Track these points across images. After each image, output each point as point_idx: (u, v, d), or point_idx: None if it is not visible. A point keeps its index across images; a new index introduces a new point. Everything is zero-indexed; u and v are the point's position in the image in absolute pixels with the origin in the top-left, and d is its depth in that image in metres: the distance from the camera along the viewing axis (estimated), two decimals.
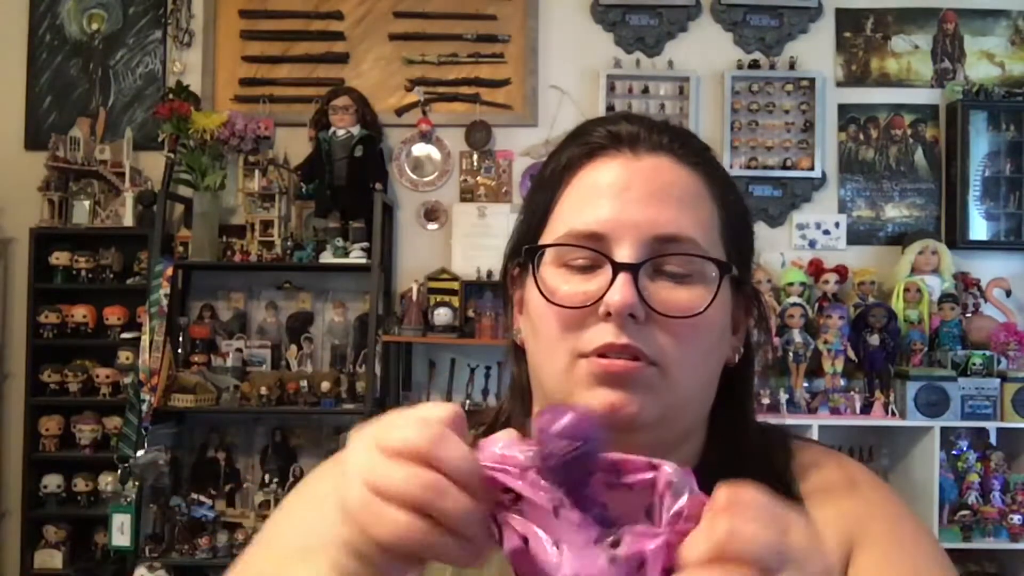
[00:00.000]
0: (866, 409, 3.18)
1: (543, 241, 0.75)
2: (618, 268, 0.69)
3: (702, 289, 0.72)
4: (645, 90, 3.60)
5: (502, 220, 3.47)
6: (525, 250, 0.75)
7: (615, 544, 0.48)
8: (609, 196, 0.73)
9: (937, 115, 3.63)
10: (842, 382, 3.25)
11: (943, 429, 3.15)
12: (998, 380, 3.16)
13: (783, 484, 0.78)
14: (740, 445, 0.78)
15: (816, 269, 3.43)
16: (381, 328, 3.29)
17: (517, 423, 0.79)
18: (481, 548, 0.51)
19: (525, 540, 0.49)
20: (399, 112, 3.61)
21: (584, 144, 0.77)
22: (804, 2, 3.61)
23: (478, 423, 0.86)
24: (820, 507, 0.77)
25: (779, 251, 3.57)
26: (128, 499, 3.17)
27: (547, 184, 0.78)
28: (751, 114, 3.59)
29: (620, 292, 0.68)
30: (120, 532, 3.13)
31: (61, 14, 3.67)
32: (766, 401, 3.13)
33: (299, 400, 3.29)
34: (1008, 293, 3.46)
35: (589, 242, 0.72)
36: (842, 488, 0.78)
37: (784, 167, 3.59)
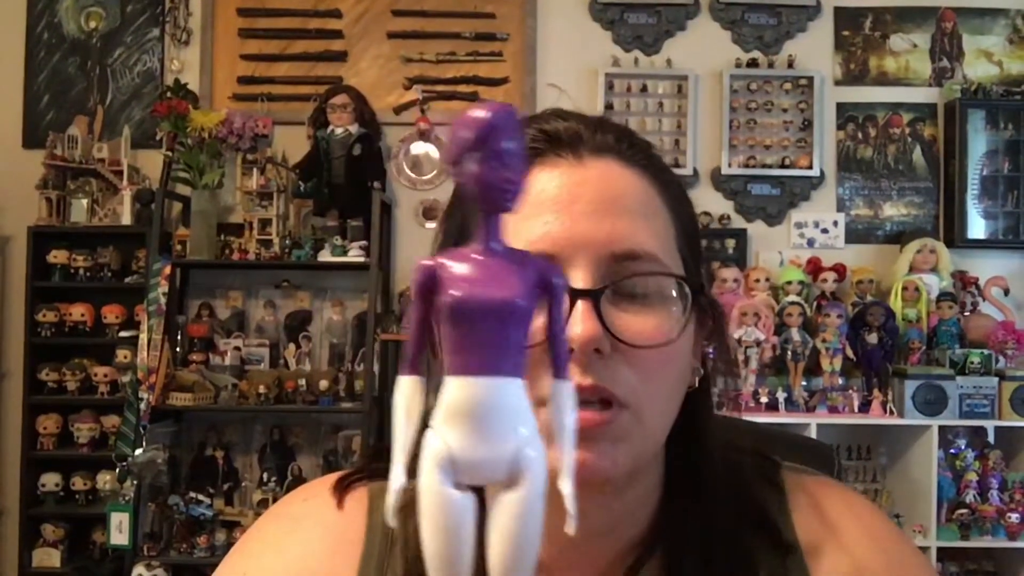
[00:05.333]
0: (864, 408, 3.18)
1: None
2: (576, 295, 0.59)
3: (667, 312, 0.64)
4: (643, 88, 3.60)
5: None
6: None
7: None
8: (555, 211, 0.62)
9: (935, 114, 3.64)
10: (840, 381, 3.25)
11: (941, 428, 3.15)
12: (996, 379, 3.16)
13: (767, 523, 0.71)
14: (704, 477, 0.70)
15: (814, 268, 3.43)
16: (379, 327, 3.28)
17: None
18: None
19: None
20: (397, 110, 3.61)
21: None
22: (802, 0, 3.61)
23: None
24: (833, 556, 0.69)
25: (777, 250, 3.58)
26: (126, 498, 3.17)
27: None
28: (749, 113, 3.59)
29: (582, 324, 0.59)
30: (118, 531, 3.13)
31: (59, 12, 3.66)
32: (764, 400, 3.13)
33: (297, 399, 3.29)
34: (1006, 292, 3.46)
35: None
36: (864, 542, 0.70)
37: (782, 166, 3.59)
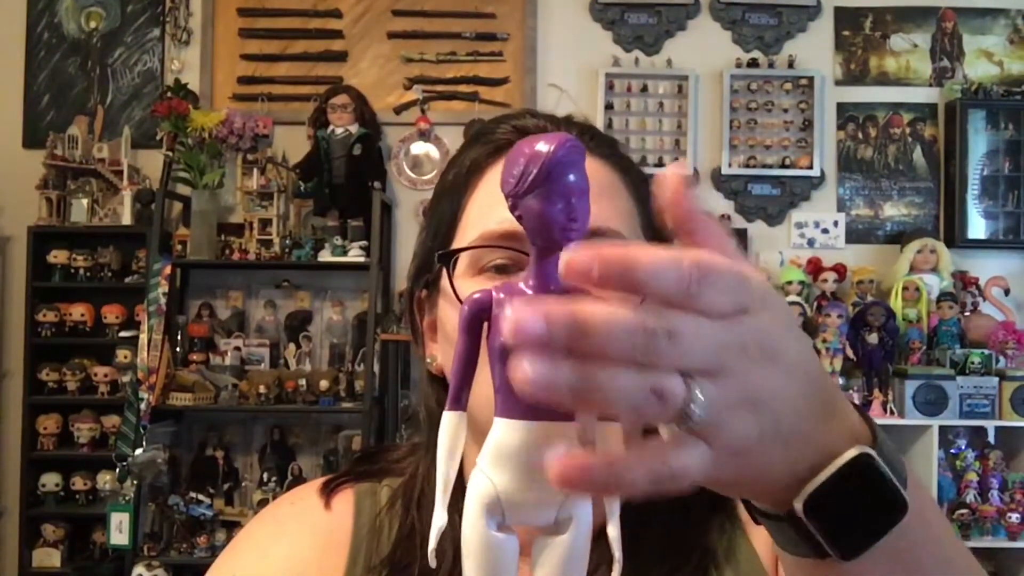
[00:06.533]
0: (865, 408, 3.17)
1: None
2: None
3: None
4: (644, 88, 3.60)
5: None
6: (438, 256, 0.70)
7: None
8: None
9: (936, 114, 3.63)
10: (841, 381, 3.24)
11: (941, 428, 3.15)
12: (996, 379, 3.16)
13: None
14: None
15: (815, 268, 3.43)
16: (380, 327, 3.28)
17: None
18: None
19: None
20: (398, 110, 3.61)
21: (489, 143, 0.73)
22: (803, 1, 3.60)
23: (382, 472, 0.80)
24: None
25: (777, 250, 3.58)
26: (126, 498, 3.17)
27: (451, 191, 0.74)
28: (750, 112, 3.59)
29: None
30: (118, 531, 3.13)
31: (59, 12, 3.66)
32: None
33: (297, 399, 3.29)
34: (1007, 292, 3.46)
35: (507, 242, 0.66)
36: None
37: (783, 166, 3.58)
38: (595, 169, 0.70)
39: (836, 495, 0.42)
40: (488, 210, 0.69)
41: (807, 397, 0.42)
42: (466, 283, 0.67)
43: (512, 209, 0.44)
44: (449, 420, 0.47)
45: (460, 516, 0.46)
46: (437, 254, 0.70)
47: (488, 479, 0.44)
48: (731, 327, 0.39)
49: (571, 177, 0.43)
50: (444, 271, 0.69)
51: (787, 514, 0.43)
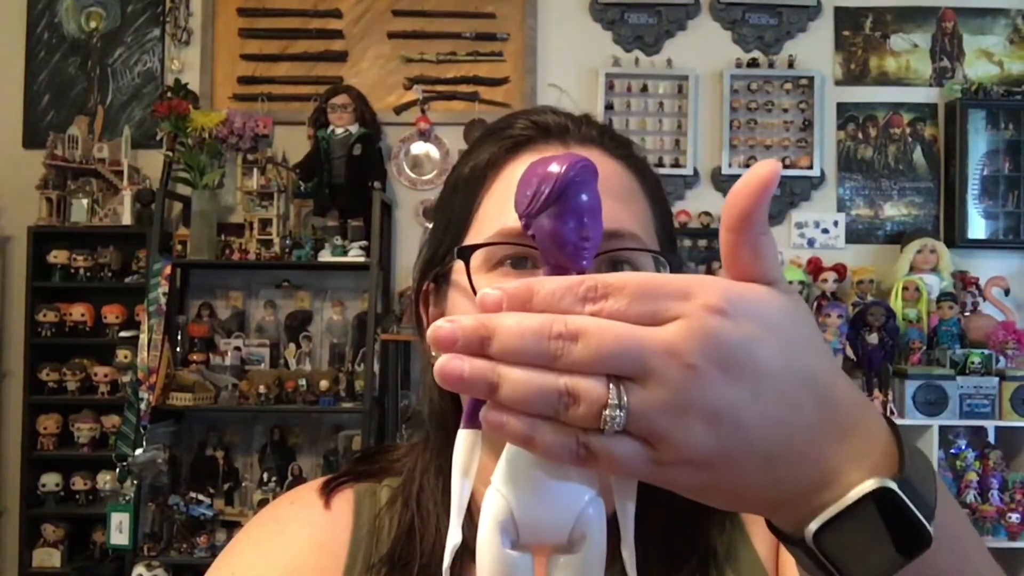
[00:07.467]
0: None
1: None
2: None
3: None
4: (644, 88, 3.60)
5: None
6: (458, 251, 0.69)
7: None
8: None
9: (936, 114, 3.63)
10: None
11: (941, 428, 3.15)
12: (996, 379, 3.16)
13: None
14: None
15: (815, 268, 3.43)
16: (380, 327, 3.28)
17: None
18: None
19: None
20: (398, 110, 3.61)
21: (508, 138, 0.72)
22: (803, 1, 3.60)
23: (382, 472, 0.81)
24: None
25: (777, 250, 3.56)
26: (126, 498, 3.17)
27: (466, 185, 0.73)
28: (750, 113, 3.59)
29: None
30: (118, 531, 3.13)
31: (59, 12, 3.66)
32: None
33: (297, 399, 3.29)
34: (1007, 292, 3.46)
35: (526, 240, 0.68)
36: None
37: (783, 166, 3.58)
38: (612, 171, 0.71)
39: (849, 527, 0.41)
40: (507, 206, 0.68)
41: (804, 414, 0.40)
42: (481, 277, 0.67)
43: (525, 229, 0.45)
44: (465, 438, 0.46)
45: (474, 533, 0.45)
46: (456, 248, 0.69)
47: (502, 497, 0.44)
48: (664, 334, 0.38)
49: (583, 197, 0.43)
50: (458, 265, 0.69)
51: (799, 540, 0.42)
